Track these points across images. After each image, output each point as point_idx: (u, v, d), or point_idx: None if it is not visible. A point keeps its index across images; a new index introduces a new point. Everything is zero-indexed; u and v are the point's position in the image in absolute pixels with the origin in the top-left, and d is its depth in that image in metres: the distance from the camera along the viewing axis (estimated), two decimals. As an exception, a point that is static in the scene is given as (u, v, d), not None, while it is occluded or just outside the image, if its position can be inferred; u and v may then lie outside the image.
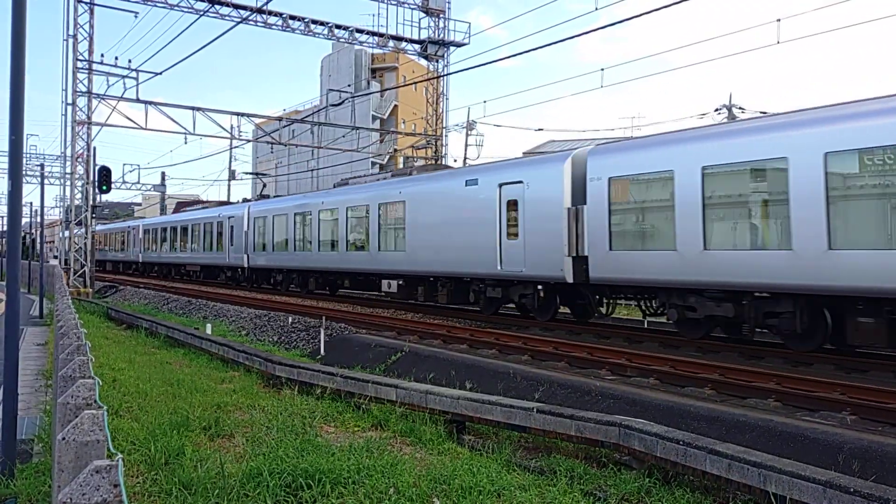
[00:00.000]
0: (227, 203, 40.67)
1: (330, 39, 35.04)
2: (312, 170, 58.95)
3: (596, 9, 16.35)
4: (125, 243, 51.53)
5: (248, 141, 46.26)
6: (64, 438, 2.70)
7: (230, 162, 55.46)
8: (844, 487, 5.29)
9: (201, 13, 29.71)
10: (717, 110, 33.98)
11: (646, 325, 17.44)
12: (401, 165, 62.36)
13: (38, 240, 36.00)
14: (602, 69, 36.55)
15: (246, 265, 31.60)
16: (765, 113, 21.57)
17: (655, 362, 12.10)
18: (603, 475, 7.03)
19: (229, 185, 55.88)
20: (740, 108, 33.54)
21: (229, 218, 33.35)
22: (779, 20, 16.34)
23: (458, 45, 36.20)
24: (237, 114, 33.22)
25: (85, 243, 31.55)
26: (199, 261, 37.55)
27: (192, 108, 31.60)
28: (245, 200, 35.77)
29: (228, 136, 33.98)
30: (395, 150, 54.31)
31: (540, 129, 67.02)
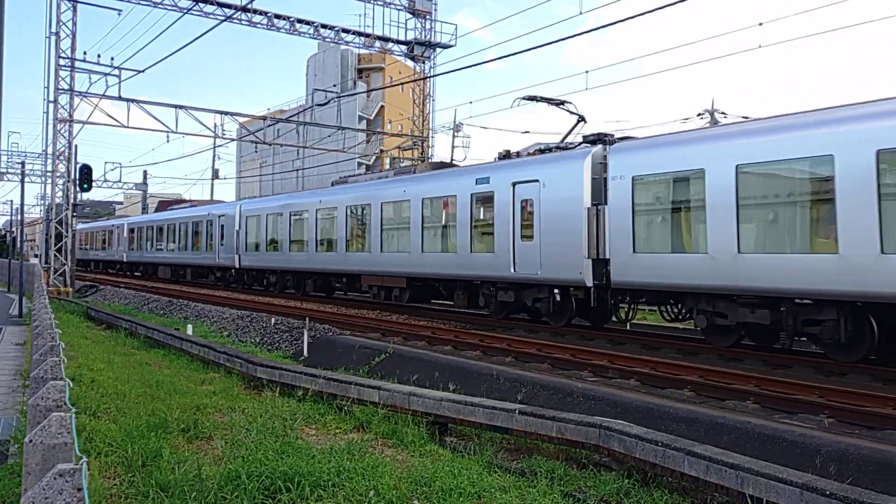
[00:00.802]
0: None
1: (315, 39, 35.01)
2: (298, 170, 58.75)
3: (581, 13, 16.79)
4: (199, 238, 35.36)
5: (232, 140, 46.04)
6: (31, 441, 2.66)
7: (213, 161, 55.18)
8: (821, 490, 5.32)
9: (185, 11, 29.52)
10: (699, 115, 34.15)
11: (628, 328, 17.50)
12: (387, 166, 62.37)
13: (19, 238, 35.56)
14: (587, 72, 36.52)
15: (591, 282, 15.05)
16: (746, 118, 21.64)
17: (637, 364, 12.14)
18: (583, 476, 7.05)
19: (212, 185, 55.58)
20: (722, 112, 33.75)
21: (488, 183, 17.61)
22: (761, 24, 16.48)
23: (445, 46, 36.20)
24: (221, 112, 33.02)
25: (65, 242, 31.26)
26: (392, 268, 20.98)
27: (175, 107, 31.39)
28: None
29: (212, 134, 33.78)
30: (382, 151, 54.23)
31: (526, 132, 67.28)
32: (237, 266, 31.01)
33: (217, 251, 33.02)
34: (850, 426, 8.46)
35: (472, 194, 18.01)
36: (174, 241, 38.48)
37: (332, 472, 6.44)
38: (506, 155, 18.45)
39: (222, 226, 32.52)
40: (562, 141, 17.57)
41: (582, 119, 18.09)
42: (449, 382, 11.21)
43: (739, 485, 5.84)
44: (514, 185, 16.72)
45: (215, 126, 33.24)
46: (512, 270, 16.66)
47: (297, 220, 26.65)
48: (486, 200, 17.67)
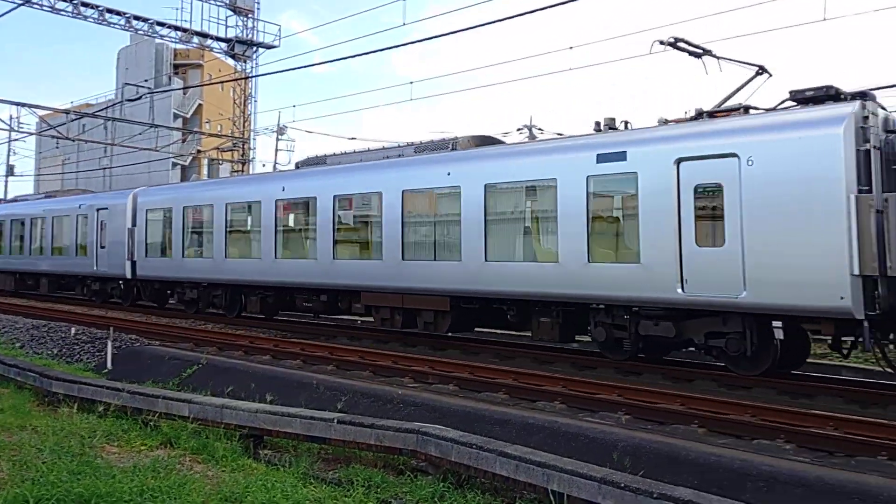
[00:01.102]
0: None
1: (127, 31, 32.84)
2: (105, 168, 54.77)
3: (404, 24, 16.63)
4: (62, 238, 27.25)
5: (31, 134, 42.08)
6: None
7: (8, 157, 50.22)
8: (616, 483, 5.74)
9: (-26, -10, 26.64)
10: (518, 129, 35.73)
11: (449, 334, 17.88)
12: (205, 167, 59.76)
13: None
14: (411, 82, 36.97)
15: (861, 312, 9.88)
16: (561, 134, 22.44)
17: (456, 369, 12.47)
18: (400, 483, 7.11)
19: (6, 182, 50.54)
20: (539, 128, 35.53)
21: (624, 161, 12.38)
22: (571, 48, 17.52)
23: (268, 46, 35.37)
24: (17, 104, 30.16)
25: None
26: (424, 283, 15.17)
27: (-39, 95, 28.24)
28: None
29: (7, 128, 30.75)
30: (199, 152, 51.92)
31: (353, 138, 67.16)
32: (129, 276, 23.14)
33: (95, 256, 24.79)
34: (645, 422, 9.20)
35: (589, 178, 12.38)
36: (21, 242, 29.54)
37: (133, 492, 6.06)
38: (611, 124, 13.22)
39: (103, 222, 24.47)
40: (721, 104, 12.14)
41: (762, 70, 12.48)
42: (266, 393, 10.90)
43: (546, 482, 6.16)
44: (679, 162, 11.26)
45: (11, 118, 30.34)
46: (679, 291, 11.12)
47: (242, 215, 19.81)
48: (620, 185, 12.33)
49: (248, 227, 19.47)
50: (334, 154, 18.48)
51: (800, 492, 6.18)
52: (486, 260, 13.72)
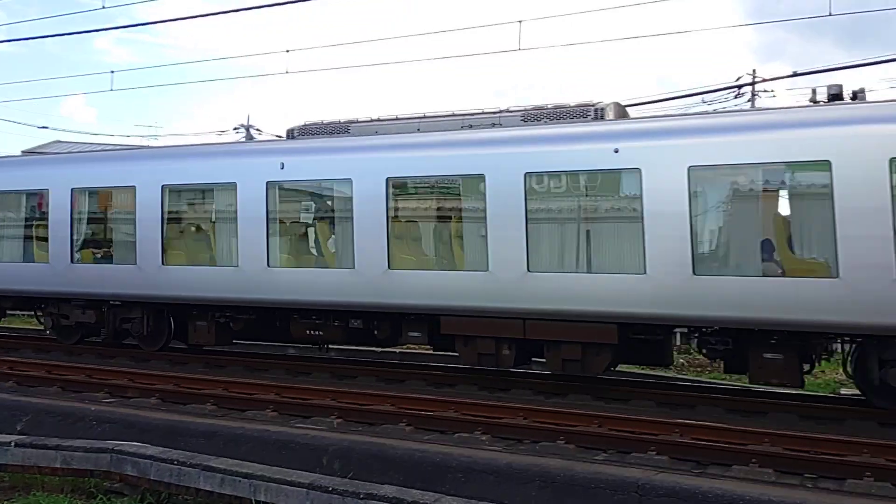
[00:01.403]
0: None
1: None
2: None
3: (104, 7, 15.03)
4: None
5: None
6: None
7: None
8: (324, 487, 5.82)
9: None
10: (235, 129, 34.70)
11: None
12: None
13: None
14: (112, 71, 33.29)
15: None
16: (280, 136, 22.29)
17: (160, 381, 11.69)
18: (90, 509, 6.52)
19: None
20: (258, 129, 34.81)
21: None
22: (288, 51, 17.53)
23: (-64, 15, 30.47)
24: None
25: None
26: (573, 305, 10.60)
27: None
28: None
29: None
30: None
31: (44, 128, 60.20)
32: None
33: None
34: (356, 424, 9.37)
35: (894, 161, 8.82)
36: None
37: None
38: (837, 91, 9.95)
39: None
40: None
41: None
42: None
43: (252, 493, 6.05)
44: None
45: None
46: None
47: (196, 204, 14.22)
48: None
49: (212, 220, 13.86)
50: (358, 121, 13.00)
51: (492, 478, 6.74)
52: (694, 273, 9.72)
